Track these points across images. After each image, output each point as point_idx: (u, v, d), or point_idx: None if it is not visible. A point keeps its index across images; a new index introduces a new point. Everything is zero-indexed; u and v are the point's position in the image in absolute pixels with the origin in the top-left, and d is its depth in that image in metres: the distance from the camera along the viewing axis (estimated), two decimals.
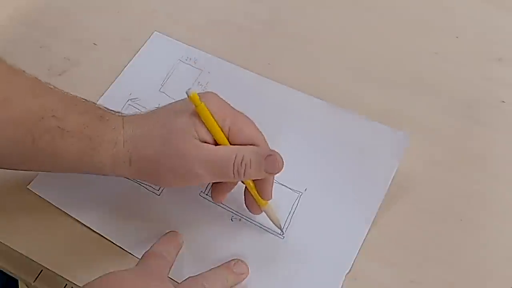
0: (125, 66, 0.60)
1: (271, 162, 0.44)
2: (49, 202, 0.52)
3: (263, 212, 0.49)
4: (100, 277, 0.42)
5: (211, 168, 0.44)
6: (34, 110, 0.44)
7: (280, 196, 0.51)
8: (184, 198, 0.52)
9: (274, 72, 0.58)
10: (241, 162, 0.44)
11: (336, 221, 0.50)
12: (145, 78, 0.57)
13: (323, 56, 0.60)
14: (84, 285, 0.41)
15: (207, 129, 0.44)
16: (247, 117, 0.46)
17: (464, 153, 0.54)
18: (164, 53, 0.60)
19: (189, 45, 0.61)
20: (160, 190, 0.52)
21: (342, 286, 0.47)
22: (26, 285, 0.53)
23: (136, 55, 0.60)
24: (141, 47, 0.61)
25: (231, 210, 0.51)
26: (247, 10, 0.64)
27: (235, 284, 0.47)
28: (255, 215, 0.50)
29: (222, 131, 0.44)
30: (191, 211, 0.51)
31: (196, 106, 0.43)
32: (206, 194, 0.52)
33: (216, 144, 0.44)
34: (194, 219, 0.51)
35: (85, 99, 0.47)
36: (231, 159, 0.44)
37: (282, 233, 0.50)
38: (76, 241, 0.50)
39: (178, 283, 0.46)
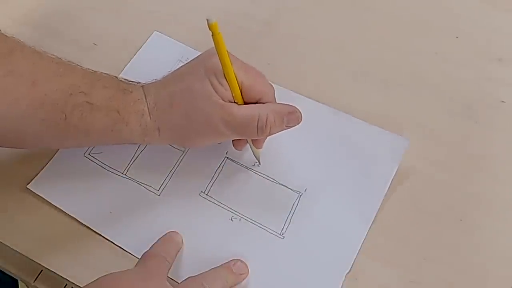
0: (125, 66, 0.60)
1: (295, 119, 0.47)
2: (49, 202, 0.52)
3: (262, 212, 0.49)
4: (98, 278, 0.42)
5: (235, 127, 0.46)
6: (62, 89, 0.45)
7: (280, 196, 0.51)
8: (184, 198, 0.52)
9: (274, 72, 0.58)
10: (265, 122, 0.46)
11: (336, 221, 0.50)
12: (145, 78, 0.56)
13: (323, 56, 0.60)
14: (83, 286, 0.41)
15: (221, 67, 0.44)
16: (258, 71, 0.48)
17: (464, 153, 0.54)
18: (164, 53, 0.60)
19: (189, 45, 0.61)
20: (160, 190, 0.52)
21: (342, 286, 0.47)
22: (26, 285, 0.54)
23: (136, 55, 0.60)
24: (141, 47, 0.61)
25: (231, 210, 0.51)
26: (247, 10, 0.64)
27: (235, 284, 0.47)
28: (255, 215, 0.50)
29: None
30: (191, 211, 0.51)
31: (213, 34, 0.43)
32: (206, 194, 0.52)
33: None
34: (194, 219, 0.51)
35: (107, 73, 0.49)
36: (255, 119, 0.46)
37: (259, 164, 0.52)
38: (76, 241, 0.50)
39: (177, 283, 0.46)
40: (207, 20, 0.42)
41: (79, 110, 0.45)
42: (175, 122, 0.47)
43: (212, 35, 0.43)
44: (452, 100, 0.57)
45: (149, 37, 0.62)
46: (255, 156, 0.52)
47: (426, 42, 0.61)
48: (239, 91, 0.46)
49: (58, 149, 0.54)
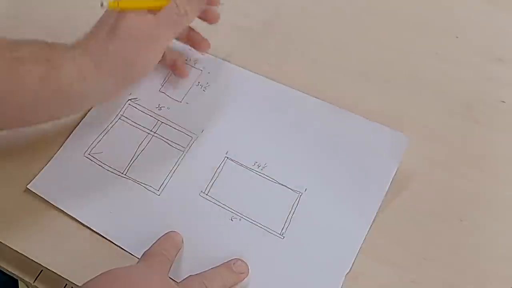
0: None
1: None
2: (49, 202, 0.52)
3: (262, 212, 0.49)
4: (101, 274, 0.42)
5: (162, 22, 0.48)
6: None
7: (280, 196, 0.51)
8: (184, 198, 0.52)
9: (274, 72, 0.58)
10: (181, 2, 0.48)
11: (336, 221, 0.50)
12: (145, 78, 0.57)
13: (323, 56, 0.60)
14: (85, 282, 0.42)
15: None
16: None
17: (464, 153, 0.54)
18: None
19: (188, 45, 0.61)
20: (160, 190, 0.52)
21: (342, 286, 0.47)
22: (26, 285, 0.54)
23: None
24: None
25: (231, 210, 0.51)
26: (247, 10, 0.64)
27: (235, 284, 0.47)
28: (255, 215, 0.50)
29: None
30: (191, 211, 0.51)
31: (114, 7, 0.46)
32: (206, 194, 0.52)
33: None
34: (194, 219, 0.51)
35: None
36: (173, 5, 0.48)
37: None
38: (76, 241, 0.50)
39: (178, 282, 0.46)
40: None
41: (7, 64, 0.44)
42: (111, 51, 0.47)
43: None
44: (452, 100, 0.57)
45: None
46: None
47: (426, 42, 0.61)
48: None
49: (58, 149, 0.54)
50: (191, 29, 0.56)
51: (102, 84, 0.48)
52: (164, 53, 0.50)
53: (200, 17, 0.53)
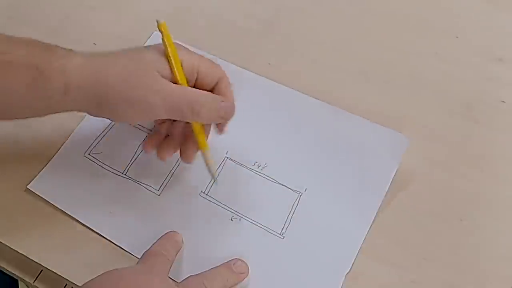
0: None
1: (225, 107, 0.47)
2: (49, 202, 0.52)
3: (262, 212, 0.49)
4: (101, 274, 0.42)
5: (166, 100, 0.44)
6: None
7: (280, 196, 0.51)
8: (184, 198, 0.52)
9: (274, 72, 0.58)
10: (197, 101, 0.45)
11: (336, 221, 0.50)
12: None
13: (323, 56, 0.60)
14: (85, 283, 0.42)
15: (169, 65, 0.45)
16: (213, 62, 0.48)
17: (464, 153, 0.54)
18: None
19: (188, 46, 0.61)
20: (160, 190, 0.52)
21: (342, 286, 0.47)
22: (26, 285, 0.53)
23: None
24: None
25: (231, 210, 0.51)
26: (247, 10, 0.64)
27: (235, 284, 0.47)
28: (255, 215, 0.50)
29: (190, 77, 0.46)
30: (191, 211, 0.51)
31: (162, 34, 0.45)
32: (206, 194, 0.52)
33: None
34: (194, 219, 0.51)
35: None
36: (187, 96, 0.45)
37: (215, 180, 0.50)
38: (76, 241, 0.50)
39: (178, 282, 0.46)
40: (156, 21, 0.44)
41: None
42: (106, 80, 0.44)
43: (162, 36, 0.45)
44: (452, 100, 0.57)
45: (149, 37, 0.62)
46: (210, 170, 0.49)
47: (426, 42, 0.61)
48: (184, 79, 0.46)
49: (58, 149, 0.54)
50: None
51: (84, 106, 0.46)
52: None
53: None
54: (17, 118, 0.49)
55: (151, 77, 0.44)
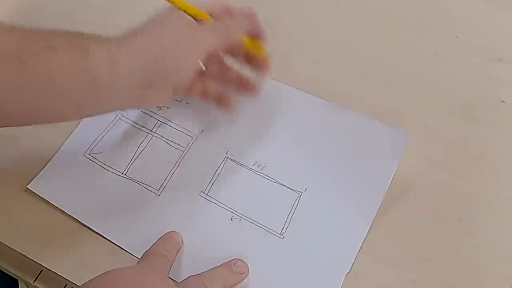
0: None
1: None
2: (49, 202, 0.52)
3: (262, 212, 0.49)
4: (101, 274, 0.42)
5: (205, 28, 0.48)
6: (17, 39, 0.43)
7: (280, 196, 0.51)
8: (184, 198, 0.52)
9: (274, 72, 0.58)
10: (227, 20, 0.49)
11: (336, 221, 0.50)
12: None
13: (323, 56, 0.60)
14: (85, 282, 0.42)
15: (187, 13, 0.48)
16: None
17: (464, 153, 0.54)
18: None
19: None
20: (160, 190, 0.52)
21: (342, 286, 0.47)
22: (26, 285, 0.54)
23: None
24: None
25: (231, 210, 0.51)
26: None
27: (235, 284, 0.47)
28: (255, 215, 0.50)
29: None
30: (191, 211, 0.51)
31: None
32: (206, 194, 0.52)
33: None
34: (194, 219, 0.51)
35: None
36: (218, 20, 0.49)
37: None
38: (76, 241, 0.50)
39: (178, 282, 0.46)
40: None
41: (39, 54, 0.42)
42: (146, 47, 0.46)
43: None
44: (452, 100, 0.57)
45: None
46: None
47: (426, 42, 0.61)
48: (204, 13, 0.49)
49: (58, 149, 0.54)
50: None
51: (132, 78, 0.45)
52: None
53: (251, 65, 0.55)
54: (51, 119, 0.47)
55: (187, 34, 0.47)
